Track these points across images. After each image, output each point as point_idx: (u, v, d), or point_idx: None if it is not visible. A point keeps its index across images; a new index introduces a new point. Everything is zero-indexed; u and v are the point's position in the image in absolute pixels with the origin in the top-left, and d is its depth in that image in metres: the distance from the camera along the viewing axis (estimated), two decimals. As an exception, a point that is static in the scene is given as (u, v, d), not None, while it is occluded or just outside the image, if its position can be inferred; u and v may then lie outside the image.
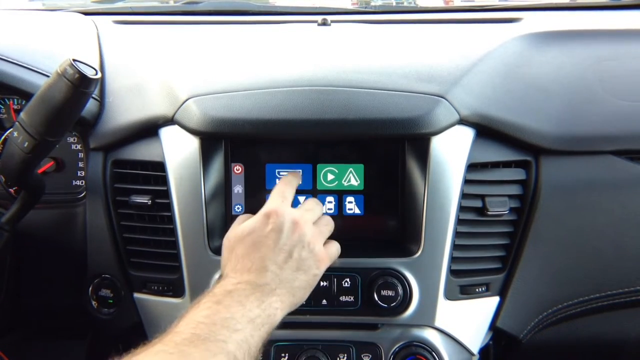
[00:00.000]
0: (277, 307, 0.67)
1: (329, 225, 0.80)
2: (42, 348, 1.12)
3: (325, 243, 0.78)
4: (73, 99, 0.74)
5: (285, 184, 0.80)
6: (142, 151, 0.89)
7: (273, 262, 0.70)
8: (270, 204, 0.75)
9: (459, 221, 0.85)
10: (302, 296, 0.72)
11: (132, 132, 0.90)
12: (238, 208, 0.89)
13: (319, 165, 0.88)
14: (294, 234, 0.72)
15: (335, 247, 0.79)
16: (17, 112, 0.99)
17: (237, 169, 0.88)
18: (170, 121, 0.86)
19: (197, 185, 0.85)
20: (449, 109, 0.83)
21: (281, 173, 0.88)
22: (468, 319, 0.89)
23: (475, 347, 0.90)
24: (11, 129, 0.83)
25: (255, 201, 0.88)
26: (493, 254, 0.89)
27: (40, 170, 0.94)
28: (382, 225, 0.89)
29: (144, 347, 0.56)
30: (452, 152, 0.84)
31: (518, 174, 0.89)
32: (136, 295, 0.92)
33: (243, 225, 0.74)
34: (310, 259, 0.72)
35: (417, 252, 0.84)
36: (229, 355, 0.57)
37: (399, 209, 0.87)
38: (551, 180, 0.88)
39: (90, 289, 0.93)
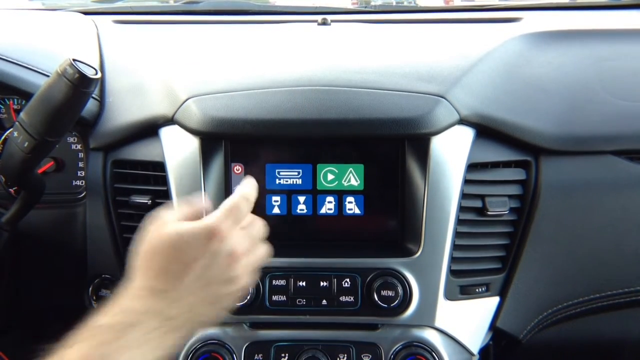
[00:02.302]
0: (183, 313, 0.58)
1: (257, 229, 0.69)
2: (42, 348, 1.12)
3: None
4: (73, 99, 0.74)
5: (242, 198, 0.67)
6: (142, 151, 0.89)
7: (189, 291, 0.59)
8: (217, 221, 0.62)
9: (459, 221, 0.85)
10: (225, 299, 0.62)
11: (132, 132, 0.90)
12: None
13: (319, 165, 0.88)
14: (227, 267, 0.61)
15: (266, 249, 0.69)
16: (17, 112, 0.99)
17: (237, 169, 0.88)
18: (170, 121, 0.86)
19: (197, 185, 0.85)
20: (449, 109, 0.83)
21: (281, 173, 0.88)
22: (468, 319, 0.89)
23: (475, 347, 0.90)
24: (11, 129, 0.83)
25: (255, 201, 0.87)
26: (493, 254, 0.89)
27: (40, 170, 0.94)
28: (382, 225, 0.89)
29: None
30: (452, 152, 0.84)
31: (518, 174, 0.89)
32: (136, 295, 0.92)
33: (177, 233, 0.60)
34: (229, 293, 0.63)
35: (417, 252, 0.84)
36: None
37: (399, 209, 0.87)
38: (551, 180, 0.88)
39: (91, 289, 0.93)
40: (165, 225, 0.61)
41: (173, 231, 0.60)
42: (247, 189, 0.68)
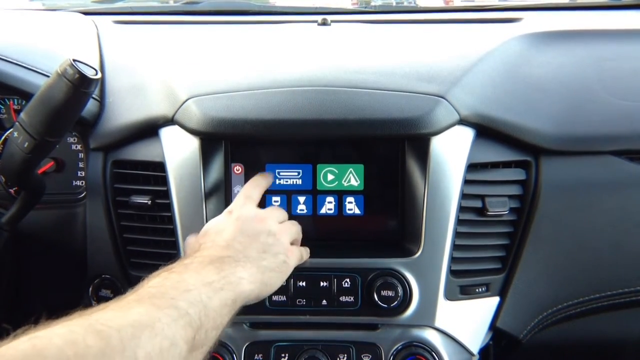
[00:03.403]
0: (243, 276, 0.64)
1: (295, 226, 0.79)
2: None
3: (293, 244, 0.78)
4: (73, 99, 0.74)
5: (252, 186, 0.80)
6: (142, 151, 0.89)
7: (237, 241, 0.68)
8: (234, 202, 0.76)
9: (459, 221, 0.85)
10: (271, 278, 0.70)
11: (132, 132, 0.90)
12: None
13: (319, 166, 0.88)
14: (258, 224, 0.72)
15: (305, 250, 0.79)
16: (17, 112, 0.99)
17: (237, 169, 0.88)
18: (170, 121, 0.86)
19: (197, 185, 0.85)
20: (449, 109, 0.83)
21: (281, 173, 0.88)
22: (468, 319, 0.89)
23: (475, 347, 0.90)
24: (11, 129, 0.83)
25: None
26: (493, 254, 0.89)
27: (40, 171, 0.94)
28: (382, 226, 0.89)
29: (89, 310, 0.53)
30: (452, 152, 0.84)
31: (518, 174, 0.89)
32: (136, 295, 0.92)
33: (207, 224, 0.75)
34: (277, 245, 0.72)
35: (417, 252, 0.84)
36: (180, 310, 0.53)
37: (399, 209, 0.87)
38: (551, 181, 0.88)
39: (91, 289, 0.93)
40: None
41: (205, 226, 0.74)
42: (257, 177, 0.83)
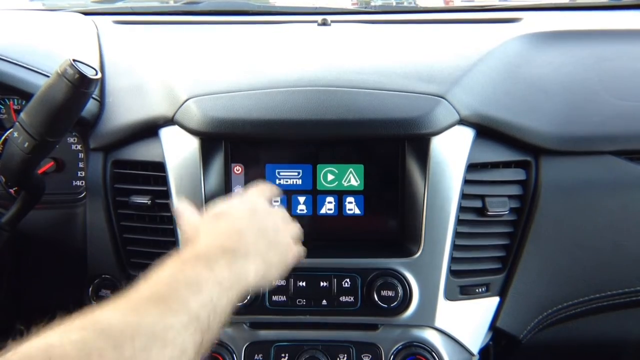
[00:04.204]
0: (250, 271, 0.64)
1: (297, 227, 0.79)
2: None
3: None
4: (73, 99, 0.74)
5: (267, 186, 0.80)
6: (142, 151, 0.89)
7: (250, 233, 0.68)
8: (249, 194, 0.75)
9: (459, 221, 0.85)
10: (275, 272, 0.70)
11: (132, 132, 0.90)
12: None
13: (319, 166, 0.88)
14: (268, 217, 0.72)
15: (302, 249, 0.78)
16: (17, 112, 0.99)
17: (237, 169, 0.88)
18: (170, 121, 0.86)
19: (197, 185, 0.85)
20: (449, 109, 0.83)
21: (281, 173, 0.88)
22: (468, 319, 0.89)
23: (475, 347, 0.90)
24: (11, 129, 0.83)
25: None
26: (493, 254, 0.89)
27: (40, 171, 0.94)
28: (382, 226, 0.89)
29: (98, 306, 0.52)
30: (452, 152, 0.84)
31: (518, 174, 0.89)
32: (136, 295, 0.92)
33: (218, 206, 0.72)
34: (282, 242, 0.72)
35: (417, 252, 0.84)
36: (191, 314, 0.53)
37: (399, 209, 0.87)
38: (551, 181, 0.88)
39: (91, 289, 0.93)
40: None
41: (215, 208, 0.71)
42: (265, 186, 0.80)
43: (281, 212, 0.76)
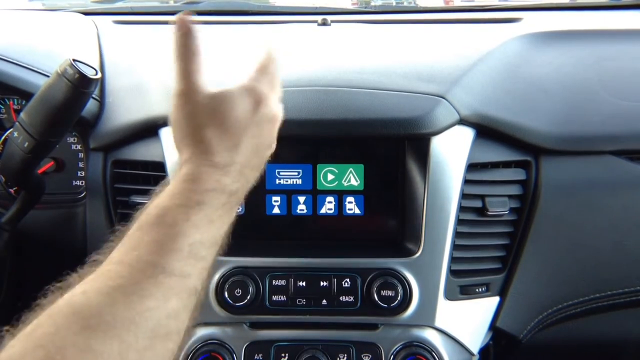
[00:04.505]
0: (240, 199, 0.58)
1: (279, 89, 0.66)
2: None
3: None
4: (73, 99, 0.74)
5: (271, 60, 0.66)
6: (142, 151, 0.89)
7: (245, 156, 0.57)
8: (261, 87, 0.61)
9: (459, 221, 0.85)
10: (254, 177, 0.61)
11: (132, 132, 0.90)
12: (238, 208, 0.88)
13: (319, 165, 0.88)
14: (273, 129, 0.62)
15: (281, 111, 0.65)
16: (17, 112, 0.99)
17: (237, 169, 0.88)
18: (170, 121, 0.86)
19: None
20: (449, 109, 0.83)
21: (281, 173, 0.88)
22: (468, 319, 0.88)
23: (475, 347, 0.90)
24: (11, 129, 0.83)
25: (255, 201, 0.88)
26: (493, 254, 0.89)
27: (40, 171, 0.94)
28: (382, 226, 0.89)
29: (92, 267, 0.49)
30: (452, 152, 0.84)
31: (518, 174, 0.89)
32: (136, 295, 0.92)
33: (220, 96, 0.59)
34: (271, 143, 0.62)
35: (417, 252, 0.84)
36: (190, 290, 0.49)
37: (399, 209, 0.87)
38: (551, 180, 0.88)
39: (90, 289, 0.93)
40: (204, 93, 0.58)
41: (220, 99, 0.57)
42: (268, 49, 0.67)
43: (275, 95, 0.63)
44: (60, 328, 0.42)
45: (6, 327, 0.46)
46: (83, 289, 0.45)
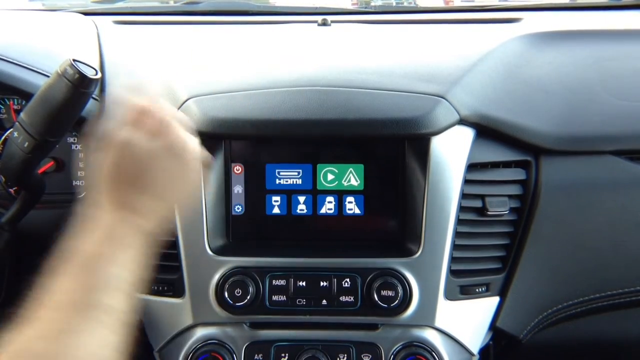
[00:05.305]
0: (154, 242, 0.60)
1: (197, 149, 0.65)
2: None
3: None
4: (73, 99, 0.74)
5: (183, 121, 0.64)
6: (142, 151, 0.89)
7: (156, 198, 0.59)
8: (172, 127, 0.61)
9: (459, 221, 0.85)
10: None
11: (132, 132, 0.90)
12: (238, 208, 0.89)
13: (319, 165, 0.88)
14: (178, 164, 0.61)
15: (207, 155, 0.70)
16: (17, 112, 0.99)
17: (237, 169, 0.88)
18: (170, 121, 0.86)
19: (197, 185, 0.85)
20: (449, 109, 0.83)
21: (281, 173, 0.88)
22: (468, 319, 0.89)
23: (475, 347, 0.90)
24: (11, 129, 0.83)
25: (255, 201, 0.88)
26: (493, 254, 0.89)
27: (40, 171, 0.94)
28: (382, 225, 0.89)
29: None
30: (452, 152, 0.84)
31: (518, 174, 0.89)
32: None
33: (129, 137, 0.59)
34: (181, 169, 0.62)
35: (417, 252, 0.84)
36: (119, 320, 0.53)
37: (399, 209, 0.87)
38: (551, 180, 0.88)
39: (90, 289, 0.93)
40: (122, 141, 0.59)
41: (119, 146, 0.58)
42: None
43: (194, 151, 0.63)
44: None
45: None
46: (28, 336, 0.52)
